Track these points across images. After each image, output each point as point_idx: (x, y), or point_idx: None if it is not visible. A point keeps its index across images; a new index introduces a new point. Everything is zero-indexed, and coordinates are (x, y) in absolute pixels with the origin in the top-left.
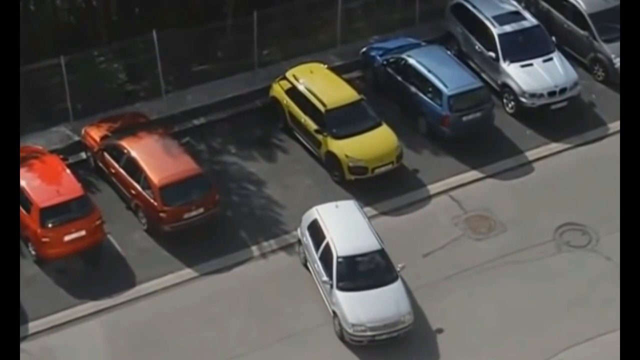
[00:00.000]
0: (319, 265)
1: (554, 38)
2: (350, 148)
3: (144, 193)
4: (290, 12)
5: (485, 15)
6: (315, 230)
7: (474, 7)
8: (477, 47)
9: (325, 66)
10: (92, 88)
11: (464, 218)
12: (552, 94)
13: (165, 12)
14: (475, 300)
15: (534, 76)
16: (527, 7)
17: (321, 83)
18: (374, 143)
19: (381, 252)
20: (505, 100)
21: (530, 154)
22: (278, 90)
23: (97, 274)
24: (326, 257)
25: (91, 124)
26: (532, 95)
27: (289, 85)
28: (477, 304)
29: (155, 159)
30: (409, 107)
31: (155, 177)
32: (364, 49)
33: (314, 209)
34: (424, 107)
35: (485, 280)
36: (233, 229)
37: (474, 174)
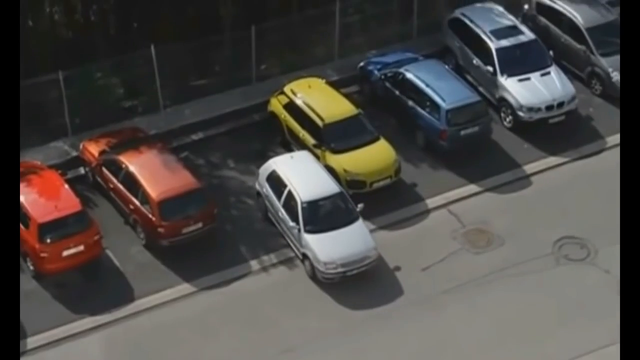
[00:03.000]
0: (283, 213)
1: (551, 52)
2: (348, 162)
3: (142, 208)
4: (287, 26)
5: (483, 30)
6: (275, 181)
7: (471, 21)
8: (474, 62)
9: (324, 81)
10: (90, 103)
11: (462, 232)
12: (549, 107)
13: (163, 26)
14: (474, 314)
15: (532, 90)
16: (524, 22)
17: (319, 97)
18: (372, 157)
19: (341, 195)
20: (503, 114)
21: (528, 168)
22: (276, 104)
23: (95, 288)
24: (290, 204)
25: (89, 139)
26: (530, 109)
27: (287, 100)
28: (476, 317)
29: (153, 173)
30: (407, 121)
31: (153, 192)
32: (362, 63)
33: (270, 161)
34: (422, 121)
35: (484, 293)
36: (232, 243)
37: (472, 188)
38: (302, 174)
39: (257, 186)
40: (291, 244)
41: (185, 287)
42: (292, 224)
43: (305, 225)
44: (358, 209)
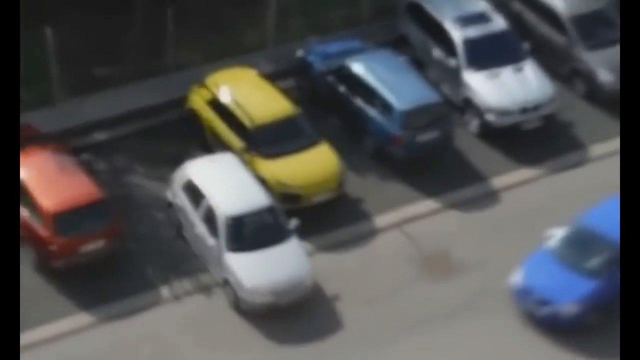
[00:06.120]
0: (200, 229)
1: (526, 44)
2: (281, 170)
3: (31, 221)
4: (213, 4)
5: (446, 16)
6: (193, 190)
7: (432, 5)
8: (435, 54)
9: (255, 72)
10: None
11: (418, 257)
12: (524, 110)
13: (60, 1)
14: (429, 357)
15: (503, 89)
16: (496, 8)
17: (249, 93)
18: (311, 165)
19: (271, 208)
20: (468, 118)
21: (498, 182)
22: (197, 100)
23: None
24: (210, 219)
25: None
26: (500, 112)
27: (210, 95)
28: None
29: (45, 180)
30: (354, 123)
31: (46, 202)
32: (301, 53)
33: (186, 164)
34: (372, 124)
35: (442, 331)
36: (139, 266)
37: (430, 205)
38: (225, 182)
39: (169, 195)
40: (210, 268)
41: (82, 318)
42: (212, 242)
43: (228, 242)
44: (292, 226)
